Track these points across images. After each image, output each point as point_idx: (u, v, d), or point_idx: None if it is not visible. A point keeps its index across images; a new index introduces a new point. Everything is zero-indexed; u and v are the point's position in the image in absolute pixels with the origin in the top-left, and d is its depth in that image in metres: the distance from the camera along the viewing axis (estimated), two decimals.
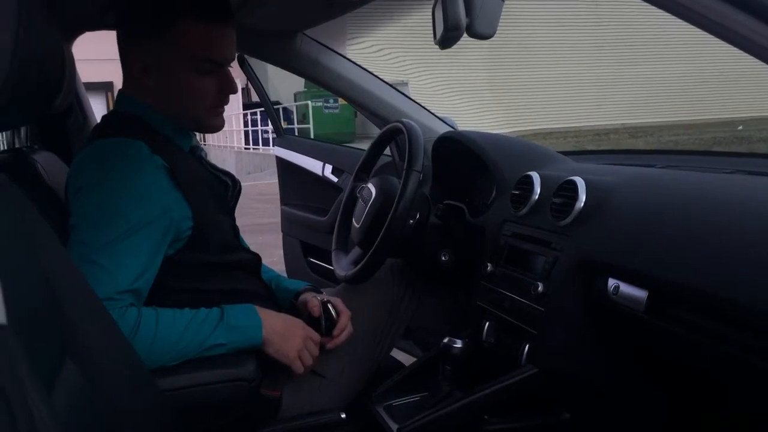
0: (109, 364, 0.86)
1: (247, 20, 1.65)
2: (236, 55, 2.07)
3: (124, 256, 1.08)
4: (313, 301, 1.33)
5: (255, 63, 2.13)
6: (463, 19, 1.18)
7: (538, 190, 1.34)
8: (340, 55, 1.95)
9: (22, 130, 1.85)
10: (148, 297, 1.14)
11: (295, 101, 15.19)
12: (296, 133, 13.11)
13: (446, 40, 1.21)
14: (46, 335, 0.70)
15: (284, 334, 1.20)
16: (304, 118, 14.58)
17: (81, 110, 1.88)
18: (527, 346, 1.24)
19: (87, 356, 0.78)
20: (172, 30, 1.16)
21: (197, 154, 1.30)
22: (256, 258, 1.35)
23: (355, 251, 1.58)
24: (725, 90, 18.00)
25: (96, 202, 1.10)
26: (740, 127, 14.14)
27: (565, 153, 1.67)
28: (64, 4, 1.40)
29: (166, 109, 1.22)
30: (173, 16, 1.15)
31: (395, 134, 1.59)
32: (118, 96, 1.25)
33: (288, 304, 1.40)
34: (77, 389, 0.71)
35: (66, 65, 1.18)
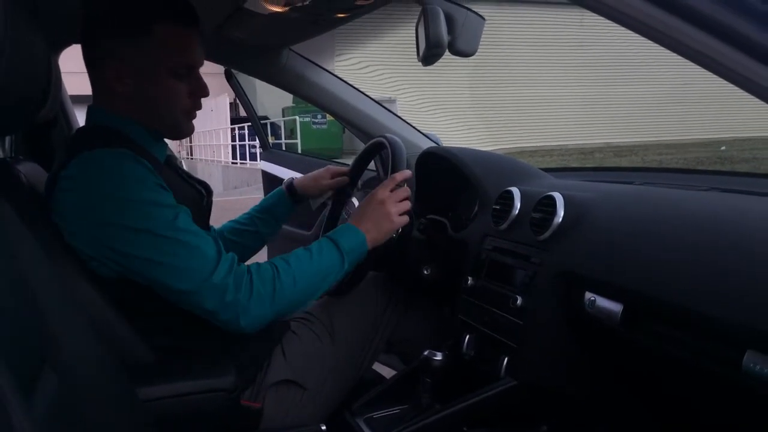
0: (88, 373, 0.86)
1: (234, 35, 1.67)
2: (225, 70, 2.10)
3: (190, 244, 1.12)
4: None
5: (243, 78, 2.15)
6: (445, 37, 1.21)
7: (518, 205, 1.36)
8: (326, 70, 1.97)
9: (6, 140, 1.85)
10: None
11: (284, 116, 15.21)
12: (284, 148, 13.11)
13: (429, 57, 1.23)
14: (25, 343, 0.70)
15: (377, 225, 1.28)
16: (292, 134, 14.59)
17: (66, 121, 1.89)
18: (506, 358, 1.25)
19: (67, 365, 0.78)
20: (150, 35, 1.16)
21: (173, 165, 1.31)
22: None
23: None
24: (709, 111, 18.25)
25: (122, 218, 1.10)
26: (723, 148, 14.31)
27: (546, 170, 1.69)
28: (50, 15, 1.41)
29: (141, 118, 1.22)
30: (152, 20, 1.16)
31: (379, 149, 1.60)
32: (89, 109, 1.24)
33: (285, 200, 1.64)
34: (56, 398, 0.71)
35: (52, 76, 1.19)
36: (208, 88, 1.25)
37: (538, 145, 16.82)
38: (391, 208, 1.29)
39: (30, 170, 1.34)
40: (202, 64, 1.25)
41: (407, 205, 1.32)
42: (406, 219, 1.30)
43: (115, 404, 0.93)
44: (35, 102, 1.01)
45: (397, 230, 1.31)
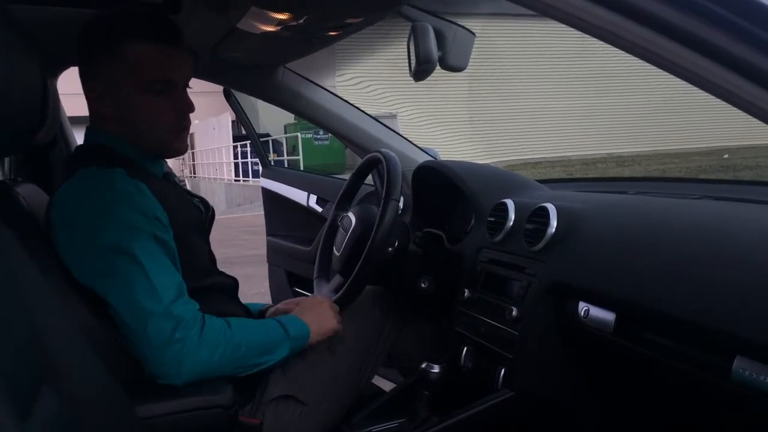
0: (87, 392, 0.87)
1: (229, 55, 1.69)
2: (223, 89, 2.12)
3: (158, 271, 1.12)
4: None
5: (244, 96, 2.17)
6: (435, 53, 1.23)
7: (512, 216, 1.37)
8: (322, 87, 1.99)
9: (6, 162, 1.86)
10: None
11: (285, 133, 15.28)
12: (286, 165, 13.16)
13: (419, 72, 1.25)
14: (22, 363, 0.71)
15: (319, 322, 1.34)
16: (294, 150, 14.66)
17: (65, 143, 1.91)
18: (503, 370, 1.26)
19: (65, 385, 0.79)
20: (120, 52, 1.17)
21: (171, 180, 1.33)
22: (234, 281, 1.37)
23: (336, 279, 1.60)
24: (712, 119, 18.23)
25: (92, 239, 1.12)
26: (726, 156, 14.32)
27: (542, 181, 1.71)
28: (46, 39, 1.43)
29: (130, 136, 1.23)
30: (120, 38, 1.17)
31: (375, 164, 1.62)
32: (87, 130, 1.26)
33: None
34: (54, 417, 0.72)
35: (49, 100, 1.21)
36: (192, 104, 1.24)
37: (541, 156, 16.84)
38: (330, 311, 1.37)
39: (29, 192, 1.36)
40: (185, 79, 1.24)
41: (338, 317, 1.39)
42: (339, 325, 1.38)
43: (114, 422, 0.93)
44: (32, 125, 1.02)
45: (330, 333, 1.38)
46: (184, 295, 1.15)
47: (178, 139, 1.26)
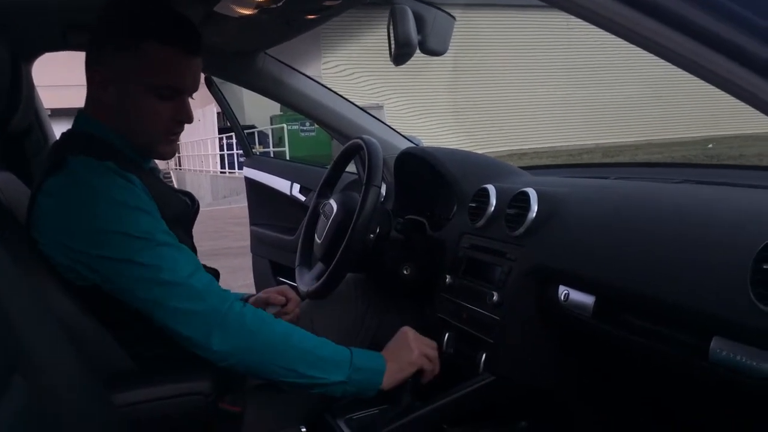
0: (61, 381, 0.86)
1: (208, 40, 1.67)
2: (205, 77, 2.10)
3: (169, 249, 1.11)
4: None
5: (230, 87, 2.14)
6: (415, 36, 1.21)
7: (493, 202, 1.37)
8: (304, 74, 1.98)
9: None
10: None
11: (271, 124, 15.22)
12: (272, 157, 13.11)
13: (399, 56, 1.24)
14: None
15: (397, 354, 1.22)
16: (280, 142, 14.61)
17: (41, 130, 1.87)
18: (484, 354, 1.26)
19: (38, 374, 0.78)
20: (139, 48, 1.16)
21: (156, 175, 1.31)
22: (215, 273, 1.35)
23: (318, 267, 1.59)
24: (698, 109, 18.39)
25: (97, 227, 1.10)
26: (710, 146, 14.43)
27: (525, 167, 1.70)
28: (16, 25, 1.40)
29: (122, 129, 1.21)
30: (144, 34, 1.16)
31: (356, 150, 1.61)
32: (77, 115, 1.24)
33: None
34: (26, 407, 0.71)
35: (22, 84, 1.18)
36: (192, 115, 1.24)
37: (528, 147, 16.89)
38: (413, 343, 1.24)
39: (3, 179, 1.34)
40: (192, 90, 1.24)
41: (433, 352, 1.26)
42: (427, 362, 1.23)
43: (90, 411, 0.92)
44: (1, 109, 1.01)
45: (415, 372, 1.23)
46: (201, 269, 1.14)
47: (167, 144, 1.25)
